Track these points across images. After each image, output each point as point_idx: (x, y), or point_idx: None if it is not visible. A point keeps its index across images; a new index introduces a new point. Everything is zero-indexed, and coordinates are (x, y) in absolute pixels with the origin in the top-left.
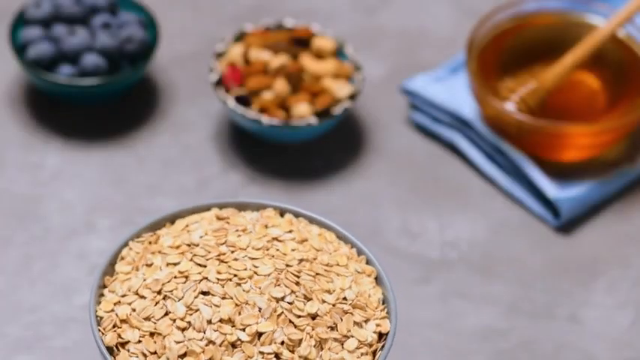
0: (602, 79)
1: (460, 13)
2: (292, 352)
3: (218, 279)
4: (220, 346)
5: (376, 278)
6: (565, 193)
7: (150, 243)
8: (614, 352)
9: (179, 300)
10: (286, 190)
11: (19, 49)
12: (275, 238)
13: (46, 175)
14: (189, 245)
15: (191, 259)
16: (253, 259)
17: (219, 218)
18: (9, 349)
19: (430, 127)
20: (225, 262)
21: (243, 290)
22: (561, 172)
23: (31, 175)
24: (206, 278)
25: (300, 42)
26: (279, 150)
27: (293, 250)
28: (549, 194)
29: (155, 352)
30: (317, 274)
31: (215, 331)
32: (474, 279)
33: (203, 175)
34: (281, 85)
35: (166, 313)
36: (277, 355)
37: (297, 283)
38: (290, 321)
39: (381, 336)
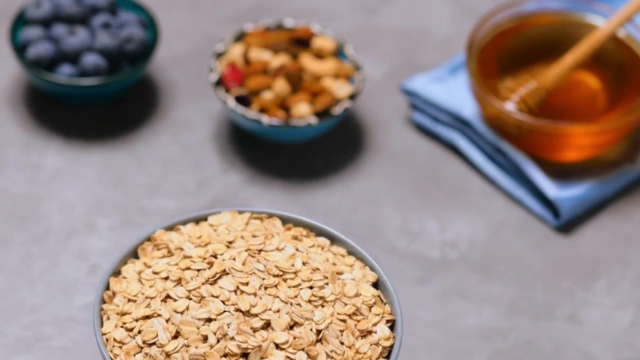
0: (602, 79)
1: (460, 13)
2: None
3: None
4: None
5: (376, 283)
6: (565, 193)
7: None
8: (614, 352)
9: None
10: (286, 190)
11: (19, 49)
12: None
13: (46, 175)
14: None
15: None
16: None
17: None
18: (9, 349)
19: (430, 127)
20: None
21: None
22: (561, 172)
23: (31, 175)
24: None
25: (300, 42)
26: (279, 150)
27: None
28: (549, 194)
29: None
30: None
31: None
32: (474, 279)
33: (203, 175)
34: (281, 85)
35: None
36: None
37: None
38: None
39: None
